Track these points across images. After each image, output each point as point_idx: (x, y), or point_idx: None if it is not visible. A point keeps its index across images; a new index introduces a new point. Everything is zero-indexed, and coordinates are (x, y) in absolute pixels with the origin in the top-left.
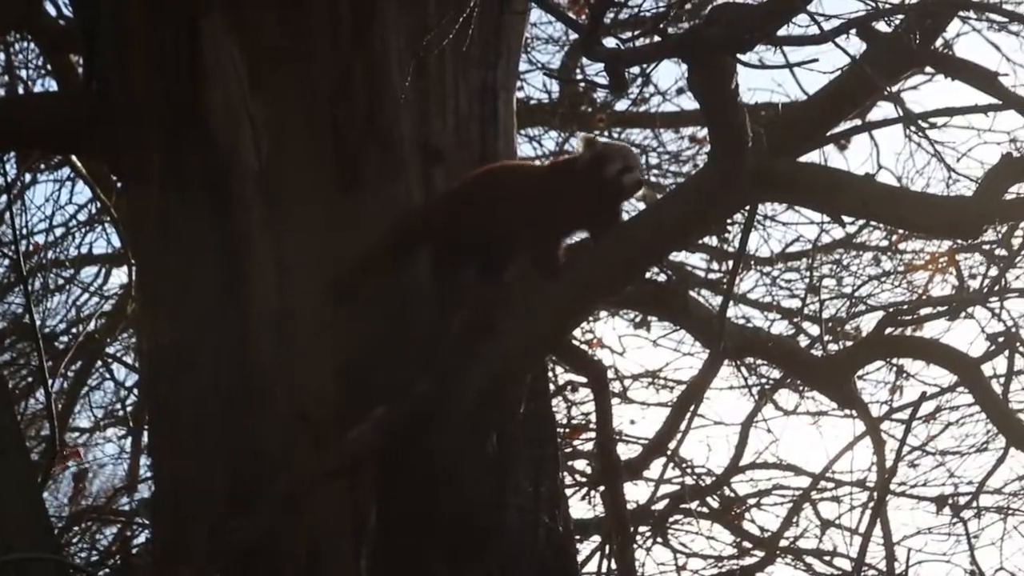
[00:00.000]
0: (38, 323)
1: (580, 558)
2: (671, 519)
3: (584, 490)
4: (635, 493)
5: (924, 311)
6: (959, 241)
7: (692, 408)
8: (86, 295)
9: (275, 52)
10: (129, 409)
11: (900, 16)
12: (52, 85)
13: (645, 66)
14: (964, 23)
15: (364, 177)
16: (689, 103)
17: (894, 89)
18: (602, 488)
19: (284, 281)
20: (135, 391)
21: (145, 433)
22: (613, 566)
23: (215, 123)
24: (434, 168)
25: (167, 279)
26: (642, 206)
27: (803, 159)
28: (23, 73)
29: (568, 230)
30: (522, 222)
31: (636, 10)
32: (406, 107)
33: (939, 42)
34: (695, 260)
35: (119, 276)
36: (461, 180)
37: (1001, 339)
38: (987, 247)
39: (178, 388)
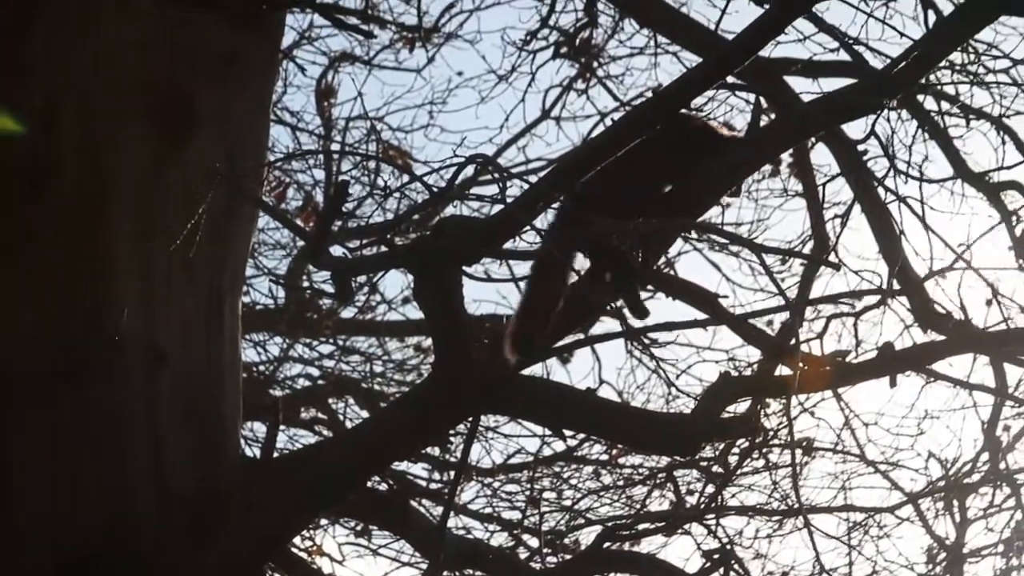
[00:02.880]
0: None
1: None
2: None
3: None
4: None
5: (642, 526)
6: (677, 457)
7: None
8: None
9: (2, 248)
10: None
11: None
12: None
13: (372, 275)
14: (686, 243)
15: (88, 378)
16: (415, 312)
17: (616, 305)
18: None
19: (6, 480)
20: None
21: None
22: None
23: None
24: (159, 371)
25: None
26: None
27: (526, 372)
28: None
29: None
30: None
31: (364, 220)
32: (131, 309)
33: (661, 261)
34: (417, 469)
35: None
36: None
37: (717, 556)
38: (704, 464)
39: None
